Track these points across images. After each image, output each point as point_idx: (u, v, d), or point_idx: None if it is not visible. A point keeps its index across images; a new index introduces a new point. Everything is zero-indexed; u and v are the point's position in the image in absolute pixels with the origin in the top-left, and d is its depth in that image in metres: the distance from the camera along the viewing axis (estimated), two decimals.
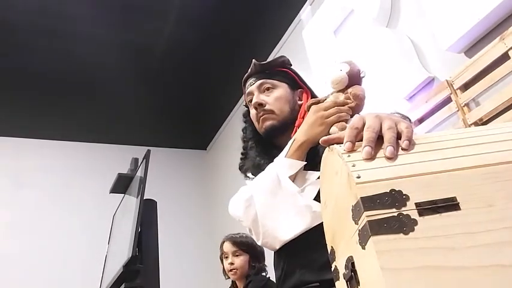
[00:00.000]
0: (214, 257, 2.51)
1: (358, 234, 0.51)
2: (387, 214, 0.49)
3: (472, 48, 2.00)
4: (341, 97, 1.10)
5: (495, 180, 0.51)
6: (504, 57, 1.81)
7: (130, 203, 1.45)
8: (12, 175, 4.19)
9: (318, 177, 0.76)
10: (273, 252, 1.17)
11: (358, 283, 0.54)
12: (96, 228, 3.52)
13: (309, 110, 1.14)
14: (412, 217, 0.49)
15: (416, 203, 0.49)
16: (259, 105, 1.23)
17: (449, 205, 0.49)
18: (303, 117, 1.16)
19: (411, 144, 0.57)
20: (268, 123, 1.22)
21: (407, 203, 0.50)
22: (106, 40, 3.41)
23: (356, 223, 0.52)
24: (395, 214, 0.49)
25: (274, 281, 2.08)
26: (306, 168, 1.07)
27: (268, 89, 1.25)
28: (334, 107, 1.08)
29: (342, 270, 0.60)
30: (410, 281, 0.46)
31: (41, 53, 3.42)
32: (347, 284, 0.57)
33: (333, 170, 0.62)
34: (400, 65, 2.30)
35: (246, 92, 1.31)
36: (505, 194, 0.50)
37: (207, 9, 3.27)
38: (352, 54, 2.55)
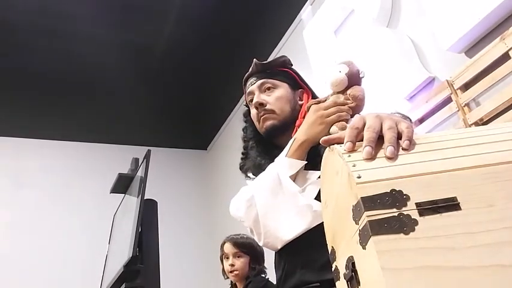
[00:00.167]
0: (214, 257, 2.51)
1: (359, 234, 0.51)
2: (388, 214, 0.49)
3: (472, 48, 2.00)
4: (341, 98, 1.10)
5: (495, 180, 0.51)
6: (504, 57, 1.81)
7: (131, 203, 1.45)
8: (12, 175, 4.19)
9: (319, 177, 0.76)
10: (273, 253, 1.17)
11: (358, 283, 0.54)
12: (96, 228, 3.52)
13: (309, 110, 1.14)
14: (412, 217, 0.49)
15: (416, 203, 0.50)
16: (260, 105, 1.23)
17: (450, 205, 0.49)
18: (304, 117, 1.16)
19: (412, 144, 0.57)
20: (269, 123, 1.22)
21: (408, 203, 0.50)
22: (106, 40, 3.41)
23: (356, 223, 0.52)
24: (396, 214, 0.49)
25: (274, 282, 2.11)
26: (307, 168, 1.07)
27: (269, 88, 1.25)
28: (334, 106, 1.08)
29: (342, 270, 0.60)
30: (411, 281, 0.46)
31: (41, 53, 3.42)
32: (347, 284, 0.57)
33: (334, 170, 0.62)
34: (401, 65, 2.30)
35: (247, 91, 1.31)
36: (505, 194, 0.50)
37: (207, 9, 3.27)
38: (353, 54, 2.55)
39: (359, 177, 0.52)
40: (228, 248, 2.34)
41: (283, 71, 1.30)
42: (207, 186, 4.96)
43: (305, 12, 3.33)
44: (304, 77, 1.33)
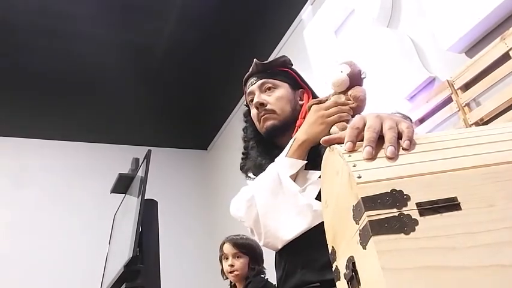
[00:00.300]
0: (214, 257, 2.51)
1: (359, 234, 0.51)
2: (388, 214, 0.49)
3: (472, 48, 2.00)
4: (342, 98, 1.10)
5: (496, 180, 0.51)
6: (505, 57, 1.81)
7: (131, 203, 1.45)
8: (12, 175, 4.19)
9: (319, 177, 0.76)
10: (272, 253, 1.17)
11: (359, 283, 0.54)
12: (96, 228, 3.52)
13: (310, 110, 1.14)
14: (413, 217, 0.49)
15: (417, 203, 0.50)
16: (261, 105, 1.23)
17: (450, 205, 0.49)
18: (304, 117, 1.16)
19: (412, 144, 0.57)
20: (269, 123, 1.22)
21: (408, 203, 0.50)
22: (106, 40, 3.41)
23: (357, 223, 0.52)
24: (396, 214, 0.49)
25: (273, 283, 2.11)
26: (308, 168, 1.07)
27: (269, 88, 1.25)
28: (335, 106, 1.08)
29: (342, 270, 0.60)
30: (411, 281, 0.46)
31: (41, 53, 3.42)
32: (348, 284, 0.57)
33: (334, 170, 0.62)
34: (401, 65, 2.30)
35: (247, 91, 1.31)
36: (505, 194, 0.50)
37: (208, 9, 3.27)
38: (353, 54, 2.55)
39: (359, 177, 0.52)
40: (228, 248, 2.34)
41: (284, 71, 1.30)
42: (207, 186, 4.96)
43: (305, 12, 3.33)
44: (304, 77, 1.33)
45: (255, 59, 1.30)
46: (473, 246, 0.47)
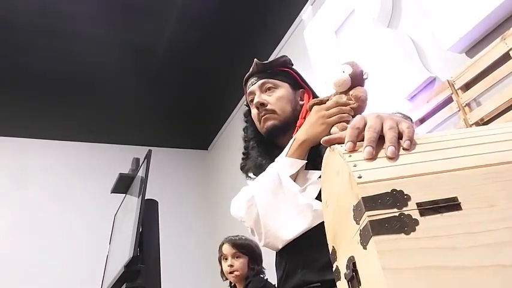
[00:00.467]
0: (215, 257, 2.51)
1: (360, 234, 0.51)
2: (388, 214, 0.49)
3: (473, 48, 2.00)
4: (344, 98, 1.10)
5: (496, 180, 0.51)
6: (505, 57, 1.81)
7: (132, 203, 1.45)
8: (13, 175, 4.19)
9: (320, 177, 0.76)
10: (272, 254, 1.17)
11: (359, 283, 0.54)
12: (97, 228, 3.52)
13: (310, 110, 1.14)
14: (413, 217, 0.49)
15: (417, 203, 0.50)
16: (261, 105, 1.23)
17: (451, 205, 0.49)
18: (305, 117, 1.16)
19: (412, 144, 0.57)
20: (269, 123, 1.22)
21: (409, 203, 0.50)
22: (106, 40, 3.41)
23: (357, 223, 0.52)
24: (397, 214, 0.49)
25: (273, 283, 2.11)
26: (308, 168, 1.07)
27: (269, 88, 1.25)
28: (336, 107, 1.08)
29: (343, 270, 0.60)
30: (412, 281, 0.46)
31: (41, 53, 3.43)
32: (348, 284, 0.57)
33: (334, 170, 0.62)
34: (401, 65, 2.30)
35: (247, 91, 1.30)
36: (506, 194, 0.50)
37: (208, 9, 3.27)
38: (354, 54, 2.55)
39: (360, 177, 0.52)
40: (227, 249, 2.34)
41: (284, 71, 1.30)
42: (207, 186, 4.96)
43: (306, 12, 3.33)
44: (304, 77, 1.33)
45: (255, 59, 1.30)
46: (474, 246, 0.47)
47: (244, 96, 1.37)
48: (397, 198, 0.50)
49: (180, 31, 3.43)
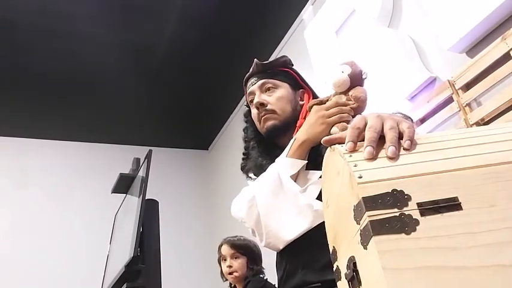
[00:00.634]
0: (215, 258, 2.51)
1: (360, 234, 0.51)
2: (389, 214, 0.49)
3: (473, 49, 2.00)
4: (343, 98, 1.10)
5: (496, 180, 0.51)
6: (506, 57, 1.81)
7: (132, 203, 1.45)
8: (13, 175, 4.19)
9: (320, 177, 0.76)
10: (272, 254, 1.16)
11: (359, 283, 0.54)
12: (97, 228, 3.52)
13: (310, 110, 1.14)
14: (413, 217, 0.49)
15: (418, 203, 0.50)
16: (261, 105, 1.23)
17: (451, 205, 0.49)
18: (305, 118, 1.16)
19: (413, 144, 0.57)
20: (269, 123, 1.21)
21: (409, 203, 0.50)
22: (106, 40, 3.41)
23: (358, 223, 0.52)
24: (397, 214, 0.49)
25: (273, 283, 2.11)
26: (308, 168, 1.07)
27: (269, 88, 1.25)
28: (336, 107, 1.08)
29: (343, 270, 0.60)
30: (412, 281, 0.46)
31: (41, 53, 3.43)
32: (349, 284, 0.57)
33: (335, 170, 0.62)
34: (402, 65, 2.30)
35: (248, 91, 1.30)
36: (506, 194, 0.50)
37: (208, 9, 3.27)
38: (354, 54, 2.55)
39: (360, 177, 0.52)
40: (226, 249, 2.34)
41: (284, 71, 1.30)
42: (208, 187, 4.96)
43: (306, 12, 3.33)
44: (305, 77, 1.33)
45: (255, 59, 1.30)
46: (474, 246, 0.47)
47: (244, 97, 1.37)
48: (397, 198, 0.50)
49: (180, 31, 3.43)
